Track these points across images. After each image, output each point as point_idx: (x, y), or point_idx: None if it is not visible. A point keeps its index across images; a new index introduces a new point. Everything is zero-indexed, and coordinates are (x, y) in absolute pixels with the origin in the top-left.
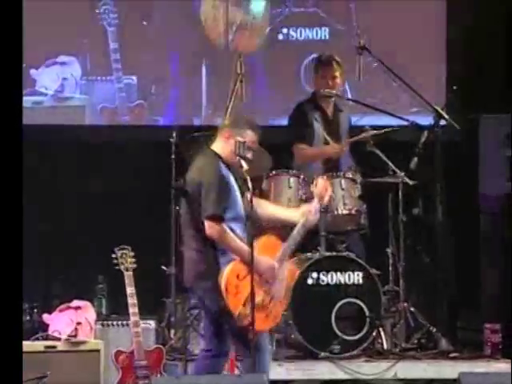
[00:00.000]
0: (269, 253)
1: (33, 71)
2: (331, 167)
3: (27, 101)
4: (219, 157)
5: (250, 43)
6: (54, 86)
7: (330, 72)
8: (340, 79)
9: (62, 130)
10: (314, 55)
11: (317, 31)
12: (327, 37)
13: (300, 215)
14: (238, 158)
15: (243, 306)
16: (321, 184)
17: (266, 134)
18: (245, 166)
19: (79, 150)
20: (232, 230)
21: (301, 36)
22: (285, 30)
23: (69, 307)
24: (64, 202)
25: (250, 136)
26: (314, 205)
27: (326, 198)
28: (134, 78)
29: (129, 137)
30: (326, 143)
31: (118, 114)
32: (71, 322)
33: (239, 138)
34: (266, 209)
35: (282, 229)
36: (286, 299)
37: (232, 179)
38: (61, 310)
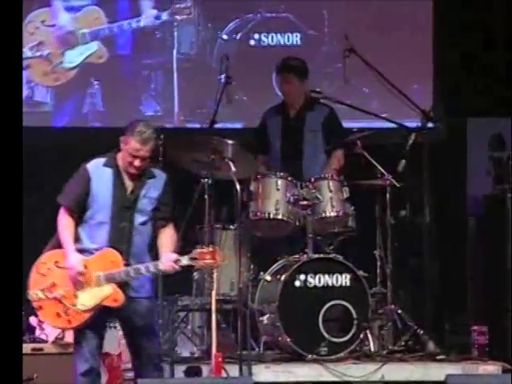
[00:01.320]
0: (104, 264)
1: None
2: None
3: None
4: (112, 162)
5: None
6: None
7: (287, 78)
8: (298, 84)
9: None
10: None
11: (288, 36)
12: (299, 42)
13: (164, 259)
14: (125, 164)
15: (41, 290)
16: (210, 251)
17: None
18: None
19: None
20: (88, 228)
21: (272, 41)
22: (256, 36)
23: None
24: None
25: (132, 144)
26: (182, 259)
27: (201, 264)
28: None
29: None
30: (283, 146)
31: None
32: None
33: (125, 146)
34: (158, 242)
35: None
36: (89, 316)
37: (106, 188)
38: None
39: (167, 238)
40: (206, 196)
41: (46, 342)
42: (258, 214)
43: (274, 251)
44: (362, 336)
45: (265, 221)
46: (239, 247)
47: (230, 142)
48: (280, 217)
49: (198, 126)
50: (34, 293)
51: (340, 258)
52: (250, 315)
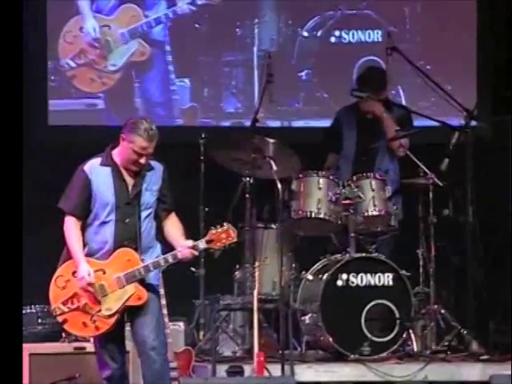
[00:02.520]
0: (121, 265)
1: None
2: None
3: (79, 103)
4: (108, 160)
5: None
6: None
7: (366, 102)
8: (378, 98)
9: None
10: (367, 58)
11: (369, 33)
12: (380, 39)
13: (180, 247)
14: (127, 162)
15: (63, 303)
16: (224, 229)
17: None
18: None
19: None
20: (94, 233)
21: (353, 38)
22: (337, 33)
23: None
24: None
25: (138, 142)
26: (199, 243)
27: (219, 245)
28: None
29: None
30: (359, 146)
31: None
32: None
33: (130, 144)
34: (167, 231)
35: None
36: (115, 319)
37: (107, 186)
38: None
39: (175, 226)
40: (247, 195)
41: (88, 340)
42: (300, 213)
43: (316, 250)
44: (404, 336)
45: (306, 220)
46: (281, 246)
47: (271, 140)
48: (322, 216)
49: (278, 123)
50: (57, 307)
51: (382, 257)
52: (292, 314)
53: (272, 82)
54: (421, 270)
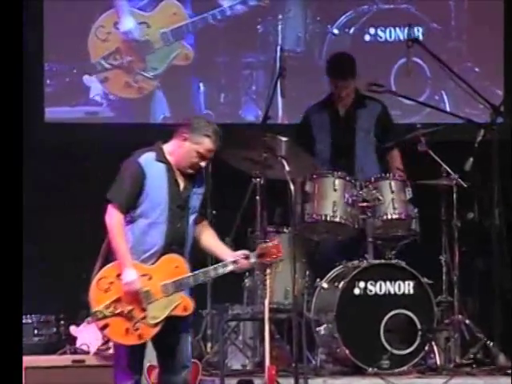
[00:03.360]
0: (168, 272)
1: (86, 78)
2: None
3: (79, 111)
4: (163, 157)
5: None
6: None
7: (343, 84)
8: (352, 84)
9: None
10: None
11: (408, 29)
12: (421, 37)
13: (231, 257)
14: (186, 164)
15: (105, 307)
16: (274, 244)
17: None
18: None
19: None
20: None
21: (390, 36)
22: (372, 30)
23: None
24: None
25: (206, 144)
26: (251, 256)
27: (269, 260)
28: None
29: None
30: (333, 146)
31: None
32: (100, 335)
33: (195, 146)
34: (205, 242)
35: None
36: (159, 329)
37: (161, 184)
38: (89, 322)
39: (212, 234)
40: (257, 197)
41: (87, 353)
42: (314, 216)
43: (332, 256)
44: (426, 348)
45: (321, 223)
46: (294, 252)
47: (284, 138)
48: (338, 219)
49: (292, 120)
50: (98, 311)
51: (403, 263)
52: (306, 325)
53: (284, 76)
54: (444, 278)
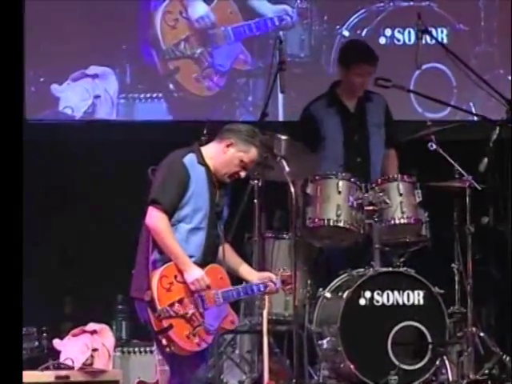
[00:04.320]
0: (214, 282)
1: (55, 87)
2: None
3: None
4: (203, 160)
5: None
6: (83, 106)
7: (364, 69)
8: (371, 75)
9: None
10: (429, 65)
11: (431, 32)
12: (445, 39)
13: (257, 279)
14: (227, 170)
15: (170, 307)
16: (288, 274)
17: None
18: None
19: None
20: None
21: (409, 39)
22: (388, 32)
23: (83, 331)
24: (78, 213)
25: (252, 154)
26: (276, 281)
27: (287, 289)
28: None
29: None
30: (348, 141)
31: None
32: (86, 348)
33: (240, 154)
34: (229, 260)
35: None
36: (212, 338)
37: (203, 188)
38: (74, 335)
39: (234, 253)
40: (255, 200)
41: (72, 368)
42: (316, 220)
43: (335, 264)
44: (437, 363)
45: (324, 229)
46: (294, 260)
47: (284, 137)
48: (342, 224)
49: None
50: (165, 309)
51: (412, 272)
52: (308, 338)
53: (285, 69)
54: (456, 287)
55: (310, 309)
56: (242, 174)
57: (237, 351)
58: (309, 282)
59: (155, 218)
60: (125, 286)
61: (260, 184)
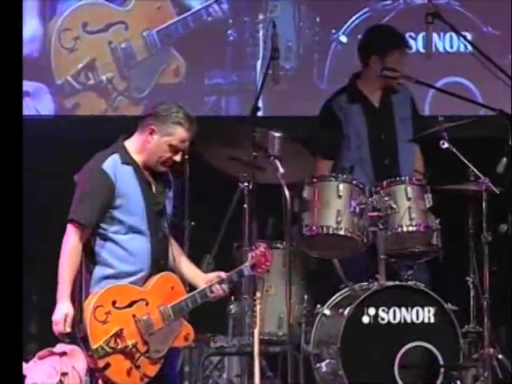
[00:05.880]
0: (164, 293)
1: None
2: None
3: None
4: (129, 157)
5: None
6: None
7: (405, 56)
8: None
9: None
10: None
11: (451, 36)
12: (468, 48)
13: (203, 282)
14: (158, 161)
15: (106, 342)
16: (260, 252)
17: None
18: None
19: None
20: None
21: (424, 47)
22: None
23: (51, 353)
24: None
25: (179, 134)
26: (220, 277)
27: (260, 271)
28: None
29: None
30: (374, 141)
31: None
32: (54, 372)
33: (166, 138)
34: (175, 260)
35: None
36: (161, 365)
37: (133, 190)
38: (41, 357)
39: (181, 252)
40: (245, 205)
41: None
42: (314, 228)
43: (335, 277)
44: None
45: (323, 237)
46: (289, 272)
47: (277, 134)
48: (342, 232)
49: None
50: (100, 347)
51: (421, 286)
52: (304, 361)
53: (277, 58)
54: (472, 303)
55: (306, 327)
56: (177, 157)
57: (224, 375)
58: (305, 297)
59: (68, 234)
60: None
61: (250, 187)
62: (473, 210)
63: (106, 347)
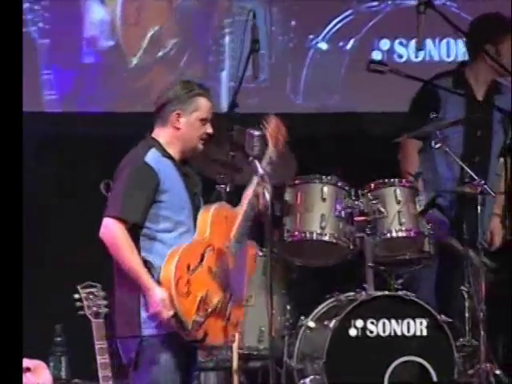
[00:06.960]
0: (223, 227)
1: None
2: None
3: None
4: (165, 151)
5: None
6: None
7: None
8: None
9: None
10: None
11: (449, 43)
12: (466, 55)
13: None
14: (196, 140)
15: (197, 313)
16: (273, 123)
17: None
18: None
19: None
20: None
21: (416, 56)
22: (385, 44)
23: None
24: None
25: (204, 104)
26: (268, 155)
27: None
28: None
29: None
30: (469, 134)
31: None
32: None
33: (195, 114)
34: None
35: None
36: (246, 297)
37: (178, 184)
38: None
39: None
40: None
41: None
42: (296, 233)
43: (320, 286)
44: None
45: (305, 243)
46: (270, 281)
47: (257, 132)
48: (327, 238)
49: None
50: (194, 322)
51: (413, 296)
52: (287, 376)
53: (258, 50)
54: (467, 315)
55: (289, 341)
56: (209, 129)
57: None
58: (288, 308)
59: (112, 229)
60: (64, 313)
61: (228, 189)
62: (467, 214)
63: (198, 318)
